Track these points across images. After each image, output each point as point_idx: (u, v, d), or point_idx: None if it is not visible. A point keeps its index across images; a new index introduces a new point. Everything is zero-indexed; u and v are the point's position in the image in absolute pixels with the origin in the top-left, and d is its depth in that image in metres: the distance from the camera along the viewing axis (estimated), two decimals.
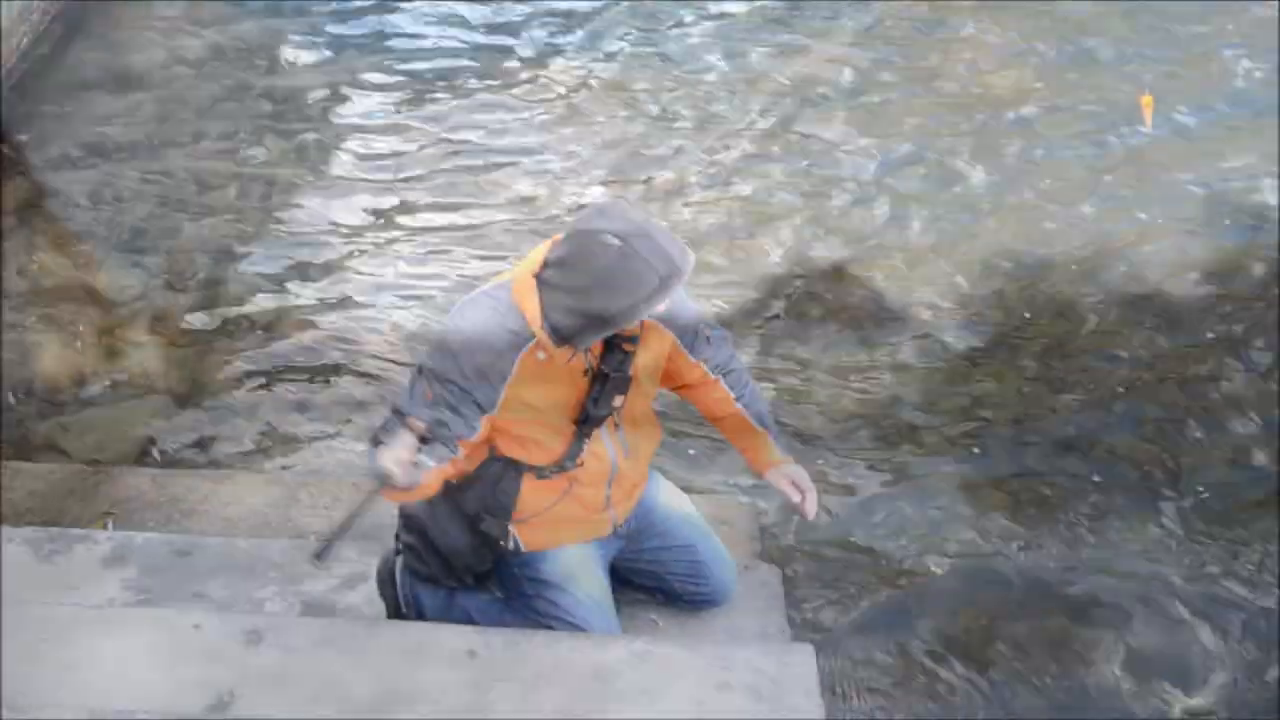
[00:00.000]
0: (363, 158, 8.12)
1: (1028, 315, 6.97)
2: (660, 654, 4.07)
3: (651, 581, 4.48)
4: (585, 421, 4.04)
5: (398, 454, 3.66)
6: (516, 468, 4.08)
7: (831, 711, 4.03)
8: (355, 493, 3.75)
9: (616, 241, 3.67)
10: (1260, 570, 5.64)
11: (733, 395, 4.31)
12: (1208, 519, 5.86)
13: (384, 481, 3.66)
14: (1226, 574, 5.62)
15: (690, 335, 4.18)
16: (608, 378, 4.01)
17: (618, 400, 4.06)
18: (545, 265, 3.82)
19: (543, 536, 4.19)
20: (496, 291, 3.93)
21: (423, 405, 3.81)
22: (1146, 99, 7.26)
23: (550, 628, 4.19)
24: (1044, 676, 5.13)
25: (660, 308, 3.80)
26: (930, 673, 5.16)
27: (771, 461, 4.37)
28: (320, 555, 3.83)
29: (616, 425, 4.13)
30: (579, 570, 4.23)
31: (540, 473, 4.08)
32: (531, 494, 4.11)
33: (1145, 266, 7.28)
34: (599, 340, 3.88)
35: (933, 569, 5.63)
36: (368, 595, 4.48)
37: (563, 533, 4.21)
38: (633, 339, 4.00)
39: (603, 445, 4.11)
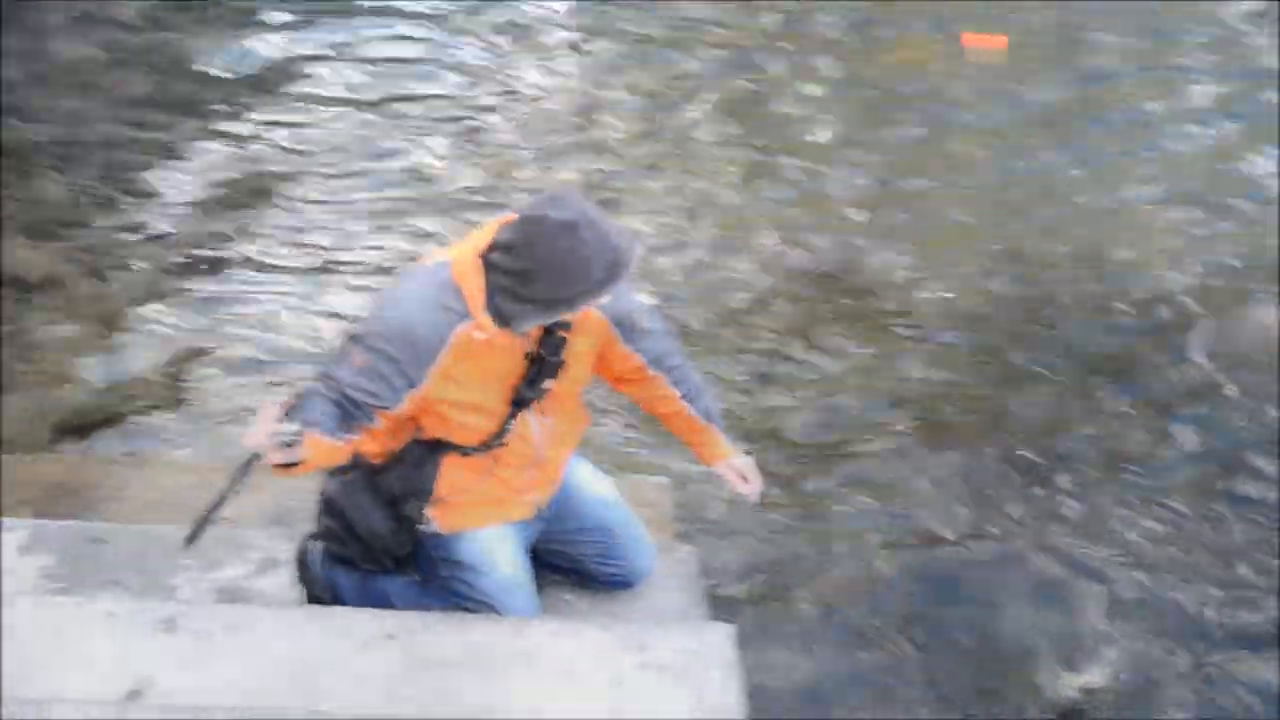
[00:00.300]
0: None
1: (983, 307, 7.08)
2: (580, 635, 4.08)
3: (569, 564, 4.49)
4: (515, 403, 4.03)
5: (263, 429, 3.63)
6: (439, 448, 4.07)
7: (750, 690, 4.04)
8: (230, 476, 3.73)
9: (567, 229, 3.69)
10: (1191, 551, 5.76)
11: (678, 394, 4.32)
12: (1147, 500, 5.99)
13: (257, 458, 3.63)
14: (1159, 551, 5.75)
15: (626, 324, 4.18)
16: (543, 361, 4.01)
17: (549, 384, 4.06)
18: (492, 247, 3.83)
19: (462, 518, 4.18)
20: (435, 269, 3.93)
21: (353, 371, 3.80)
22: (990, 38, 7.30)
23: (469, 610, 4.18)
24: (966, 657, 5.22)
25: (605, 298, 3.81)
26: (852, 653, 5.24)
27: (719, 455, 4.42)
28: (191, 538, 3.78)
29: (544, 410, 4.13)
30: (497, 552, 4.22)
31: (464, 451, 4.07)
32: (453, 473, 4.11)
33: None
34: (538, 325, 3.90)
35: (867, 553, 5.70)
36: (283, 580, 4.45)
37: (482, 514, 4.21)
38: (567, 325, 4.01)
39: (529, 428, 4.11)
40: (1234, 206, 7.77)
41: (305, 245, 7.34)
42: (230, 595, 4.44)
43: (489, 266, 3.83)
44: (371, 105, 8.51)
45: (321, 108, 8.48)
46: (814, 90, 8.73)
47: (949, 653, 5.24)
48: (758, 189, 7.91)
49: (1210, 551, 5.71)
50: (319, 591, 4.37)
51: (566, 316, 3.88)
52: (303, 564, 4.40)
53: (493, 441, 4.07)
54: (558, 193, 3.88)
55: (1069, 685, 5.14)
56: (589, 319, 4.04)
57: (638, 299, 4.23)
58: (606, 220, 3.77)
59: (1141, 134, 8.43)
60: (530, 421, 4.10)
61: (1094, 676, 5.18)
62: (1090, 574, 5.57)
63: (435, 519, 4.16)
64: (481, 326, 3.85)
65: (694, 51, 9.19)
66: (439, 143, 8.21)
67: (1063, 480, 6.03)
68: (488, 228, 3.91)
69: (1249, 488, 6.01)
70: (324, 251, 7.30)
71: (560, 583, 4.49)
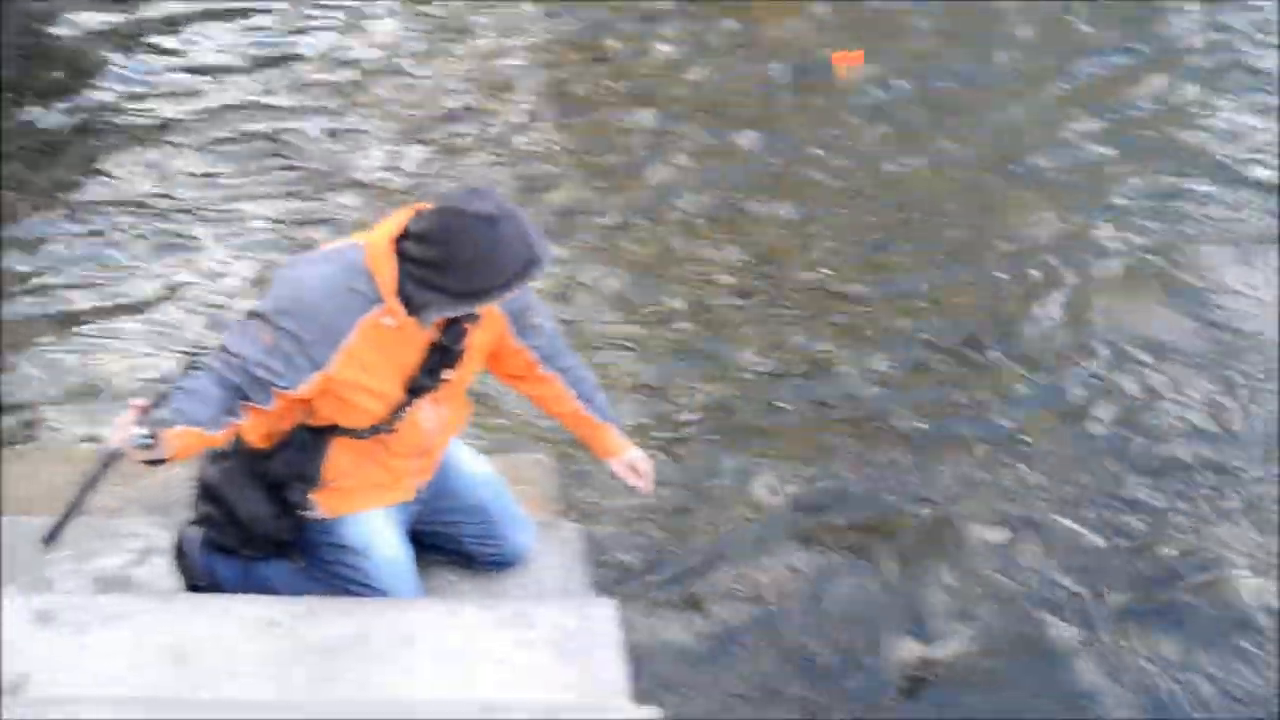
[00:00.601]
0: None
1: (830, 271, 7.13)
2: (462, 615, 4.08)
3: (449, 545, 4.50)
4: (412, 390, 4.04)
5: (119, 432, 3.64)
6: (328, 433, 4.06)
7: (633, 664, 4.07)
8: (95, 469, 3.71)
9: (486, 223, 3.74)
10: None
11: (573, 394, 4.39)
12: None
13: (116, 456, 3.64)
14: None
15: (521, 319, 4.22)
16: (444, 350, 4.03)
17: (448, 374, 4.08)
18: (406, 235, 3.85)
19: (345, 502, 4.17)
20: (347, 251, 3.94)
21: (258, 349, 3.80)
22: (849, 54, 7.39)
23: (352, 594, 4.17)
24: (837, 624, 5.30)
25: (515, 294, 3.86)
26: (733, 628, 5.29)
27: (614, 450, 4.48)
28: (50, 537, 3.76)
29: (438, 399, 4.14)
30: (380, 535, 4.22)
31: (355, 435, 4.07)
32: (340, 458, 4.10)
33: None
34: (445, 316, 3.91)
35: (742, 520, 5.76)
36: (163, 569, 4.40)
37: (366, 498, 4.20)
38: (474, 317, 4.03)
39: (423, 415, 4.12)
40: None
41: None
42: (109, 585, 4.39)
43: (402, 254, 3.85)
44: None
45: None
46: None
47: (822, 625, 5.31)
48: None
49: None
50: (198, 580, 4.33)
51: (474, 310, 3.92)
52: (180, 552, 4.36)
53: (384, 426, 4.07)
54: (478, 186, 3.93)
55: (914, 654, 5.24)
56: (489, 313, 4.07)
57: (533, 295, 4.26)
58: (524, 217, 3.82)
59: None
60: (424, 409, 4.11)
61: (941, 649, 5.26)
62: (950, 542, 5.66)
63: (318, 503, 4.14)
64: (391, 312, 3.86)
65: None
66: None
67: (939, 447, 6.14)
68: (401, 214, 3.93)
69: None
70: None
71: (443, 563, 4.50)
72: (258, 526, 4.18)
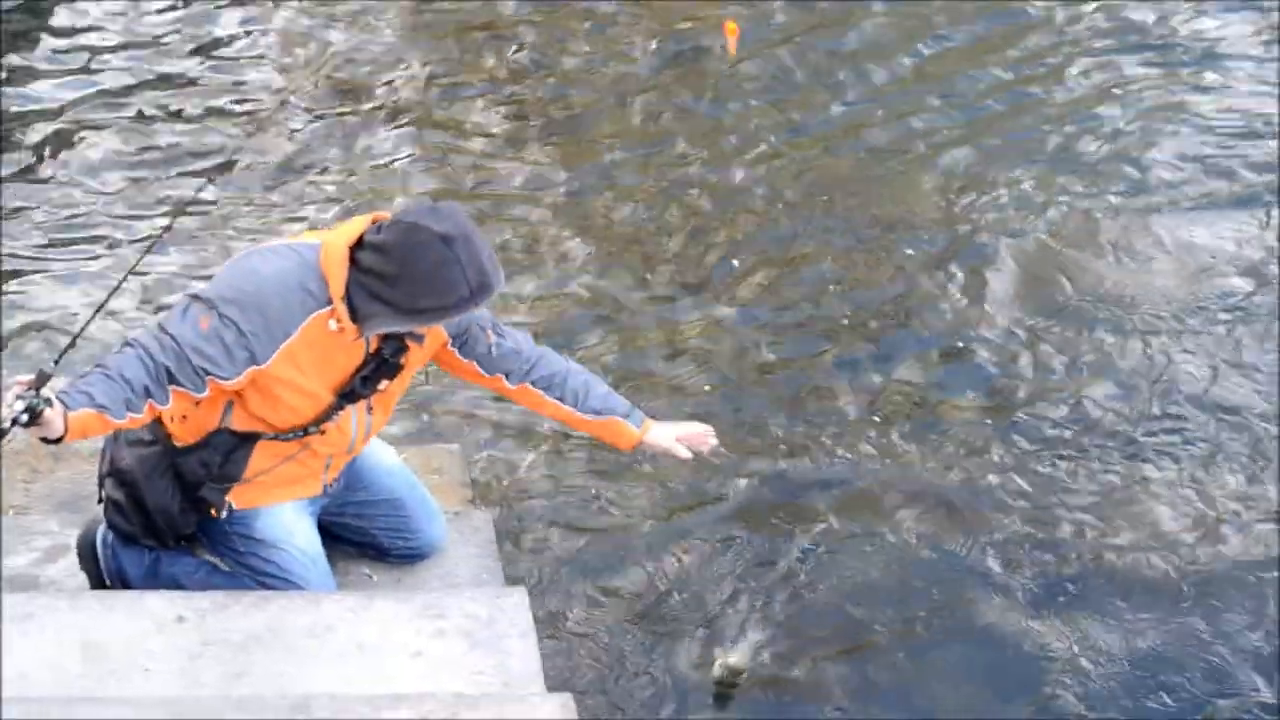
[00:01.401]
0: None
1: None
2: (373, 607, 4.10)
3: (359, 537, 4.49)
4: (346, 396, 4.03)
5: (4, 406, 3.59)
6: (251, 438, 4.05)
7: (545, 652, 4.10)
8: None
9: (440, 244, 3.73)
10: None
11: (550, 399, 4.33)
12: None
13: None
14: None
15: (462, 335, 4.21)
16: (383, 362, 4.02)
17: (383, 384, 4.08)
18: (362, 244, 3.84)
19: (258, 496, 4.16)
20: (302, 249, 3.92)
21: (197, 334, 3.77)
22: (730, 26, 7.34)
23: (266, 586, 4.16)
24: (754, 609, 5.34)
25: (459, 318, 3.89)
26: (636, 609, 5.34)
27: (633, 438, 4.41)
28: None
29: (370, 406, 4.14)
30: (293, 527, 4.22)
31: (278, 436, 4.06)
32: (262, 458, 4.09)
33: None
34: (386, 330, 3.92)
35: (653, 504, 5.78)
36: (70, 567, 4.38)
37: (279, 493, 4.19)
38: (419, 337, 4.05)
39: (349, 421, 4.12)
40: None
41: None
42: (17, 584, 4.35)
43: (355, 262, 3.84)
44: None
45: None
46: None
47: (739, 609, 5.36)
48: None
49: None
50: (105, 578, 4.31)
51: (418, 329, 3.96)
52: (86, 552, 4.33)
53: (310, 428, 4.06)
54: (439, 204, 3.95)
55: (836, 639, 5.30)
56: (430, 330, 4.09)
57: (483, 313, 4.21)
58: (481, 241, 3.82)
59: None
60: (352, 415, 4.11)
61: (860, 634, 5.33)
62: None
63: (230, 499, 4.13)
64: (338, 316, 3.86)
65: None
66: None
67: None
68: (358, 222, 3.92)
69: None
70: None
71: (355, 556, 4.50)
72: (160, 517, 4.16)
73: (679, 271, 6.99)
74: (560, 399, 4.34)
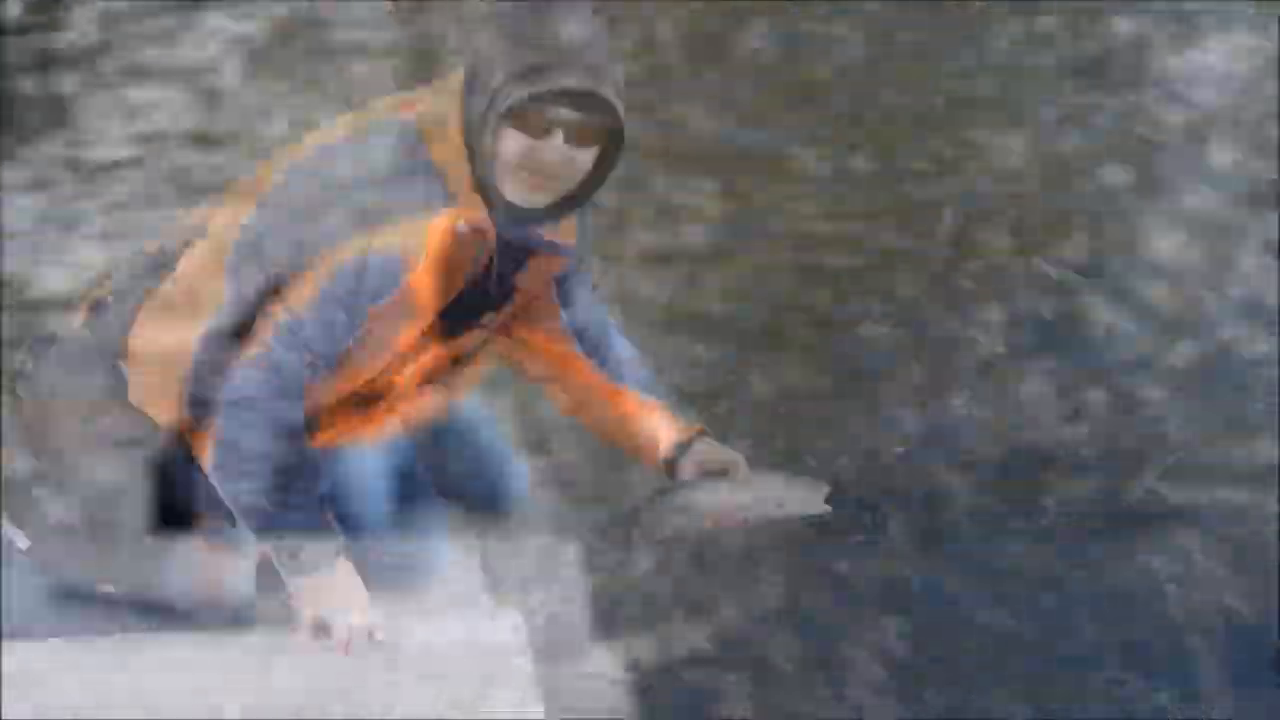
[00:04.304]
0: None
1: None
2: None
3: (447, 486, 3.86)
4: (450, 333, 3.23)
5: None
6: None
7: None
8: None
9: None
10: None
11: (594, 366, 3.56)
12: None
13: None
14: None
15: (569, 279, 3.47)
16: (488, 289, 3.19)
17: (487, 317, 3.29)
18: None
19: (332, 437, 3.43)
20: (391, 128, 2.97)
21: (315, 323, 3.01)
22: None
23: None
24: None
25: (580, 87, 2.93)
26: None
27: (675, 434, 3.55)
28: None
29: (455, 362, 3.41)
30: (366, 462, 3.56)
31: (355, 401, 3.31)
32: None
33: None
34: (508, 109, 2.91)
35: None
36: None
37: (354, 435, 3.50)
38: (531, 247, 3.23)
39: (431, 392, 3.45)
40: None
41: None
42: None
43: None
44: None
45: None
46: None
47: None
48: None
49: None
50: None
51: (542, 91, 2.90)
52: None
53: (379, 395, 3.35)
54: None
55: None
56: (546, 259, 3.31)
57: (589, 275, 3.57)
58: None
59: None
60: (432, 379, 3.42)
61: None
62: None
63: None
64: (466, 214, 3.00)
65: None
66: None
67: None
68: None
69: None
70: None
71: None
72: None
73: None
74: (608, 373, 3.54)
